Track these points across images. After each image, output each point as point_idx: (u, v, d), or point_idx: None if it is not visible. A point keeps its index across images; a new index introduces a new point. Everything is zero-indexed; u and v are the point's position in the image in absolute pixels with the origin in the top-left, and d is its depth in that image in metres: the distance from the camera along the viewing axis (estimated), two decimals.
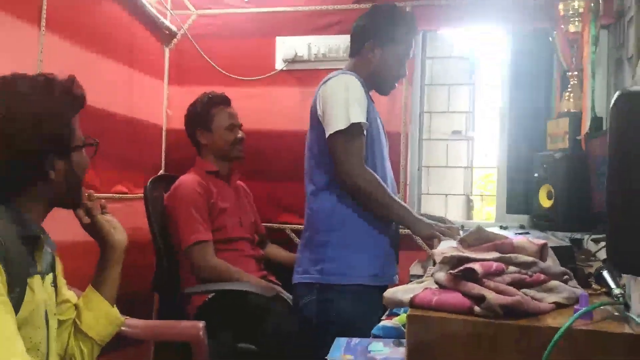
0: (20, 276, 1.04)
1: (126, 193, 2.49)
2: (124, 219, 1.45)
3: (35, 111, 1.13)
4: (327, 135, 1.82)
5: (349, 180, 1.81)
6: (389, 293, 1.02)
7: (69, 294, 1.32)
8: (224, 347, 1.98)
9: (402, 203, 1.91)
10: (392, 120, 2.53)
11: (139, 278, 2.27)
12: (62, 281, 1.30)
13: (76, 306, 1.32)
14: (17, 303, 1.02)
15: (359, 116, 1.80)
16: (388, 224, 1.93)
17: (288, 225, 2.71)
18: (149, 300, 2.57)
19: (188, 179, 2.32)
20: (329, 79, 1.90)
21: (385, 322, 1.35)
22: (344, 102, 1.80)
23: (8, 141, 1.10)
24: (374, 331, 1.33)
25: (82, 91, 1.24)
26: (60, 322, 1.26)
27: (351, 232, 1.87)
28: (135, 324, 1.69)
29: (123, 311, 1.40)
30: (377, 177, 1.84)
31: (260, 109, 2.73)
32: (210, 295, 2.12)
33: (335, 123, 1.79)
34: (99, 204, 1.33)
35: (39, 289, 1.11)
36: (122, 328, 1.41)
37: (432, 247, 1.80)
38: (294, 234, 2.68)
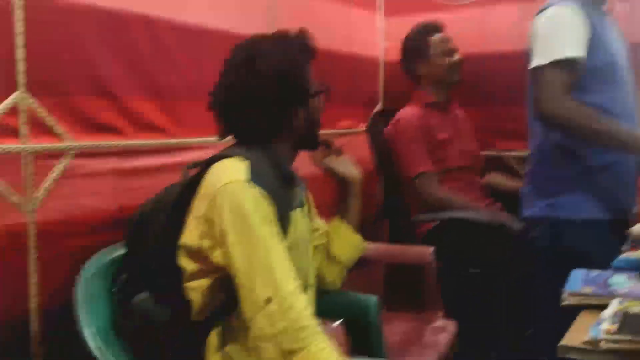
0: (285, 211, 1.21)
1: (349, 128, 2.65)
2: (348, 152, 1.58)
3: (279, 68, 1.24)
4: (529, 69, 1.77)
5: (545, 114, 1.72)
6: (636, 229, 0.99)
7: (320, 222, 1.51)
8: (451, 271, 2.08)
9: (623, 126, 1.70)
10: (635, 31, 2.24)
11: (366, 205, 2.44)
12: (313, 211, 1.48)
13: (326, 234, 1.49)
14: (283, 234, 1.20)
15: (565, 52, 1.69)
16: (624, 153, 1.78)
17: (508, 153, 2.64)
18: (376, 224, 2.75)
19: (407, 113, 2.40)
20: (542, 10, 1.80)
21: (628, 254, 1.29)
22: (550, 37, 1.73)
23: (260, 98, 1.24)
24: (615, 264, 1.28)
25: (313, 41, 1.33)
26: (314, 248, 1.45)
27: (578, 164, 1.78)
28: (370, 247, 1.85)
29: None
30: (582, 105, 1.69)
31: (476, 32, 2.64)
32: (436, 222, 2.21)
33: (537, 58, 1.74)
34: (334, 148, 1.48)
35: (299, 220, 1.29)
36: None
37: None
38: (515, 161, 2.61)
